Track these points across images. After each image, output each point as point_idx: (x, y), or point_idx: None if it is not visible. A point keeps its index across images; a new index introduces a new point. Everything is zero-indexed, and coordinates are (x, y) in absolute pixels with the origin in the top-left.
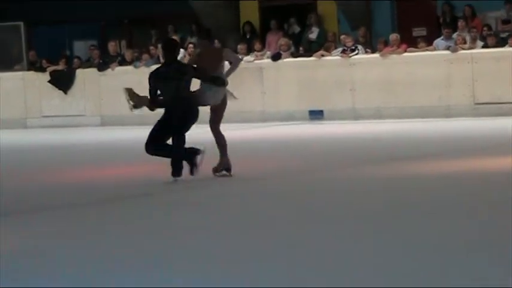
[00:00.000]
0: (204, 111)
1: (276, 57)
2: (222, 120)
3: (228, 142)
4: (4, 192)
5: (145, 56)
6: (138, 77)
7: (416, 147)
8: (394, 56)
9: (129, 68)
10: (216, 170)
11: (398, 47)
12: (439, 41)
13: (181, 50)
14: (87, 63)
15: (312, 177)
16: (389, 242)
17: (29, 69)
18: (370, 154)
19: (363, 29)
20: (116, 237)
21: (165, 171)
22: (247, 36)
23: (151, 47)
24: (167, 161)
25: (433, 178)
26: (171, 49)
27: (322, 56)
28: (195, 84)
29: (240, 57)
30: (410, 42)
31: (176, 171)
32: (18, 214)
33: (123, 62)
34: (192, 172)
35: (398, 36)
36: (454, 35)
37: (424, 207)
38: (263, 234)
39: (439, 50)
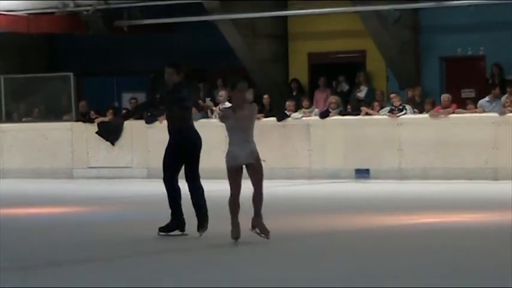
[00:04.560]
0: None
1: (324, 114)
2: (267, 175)
3: (273, 198)
4: (43, 244)
5: (193, 110)
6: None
7: (461, 209)
8: (442, 116)
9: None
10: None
11: (449, 107)
12: (484, 103)
13: (229, 104)
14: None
15: (353, 235)
16: None
17: (77, 120)
18: (414, 214)
19: (419, 88)
20: None
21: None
22: (294, 93)
23: (200, 101)
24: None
25: (477, 240)
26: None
27: (367, 113)
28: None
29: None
30: (458, 103)
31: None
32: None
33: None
34: (200, 230)
35: (450, 97)
36: (503, 98)
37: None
38: None
39: (485, 111)
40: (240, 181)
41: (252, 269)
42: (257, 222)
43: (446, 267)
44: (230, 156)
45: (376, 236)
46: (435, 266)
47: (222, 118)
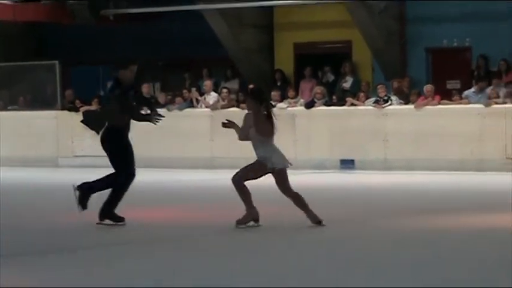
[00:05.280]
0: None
1: (309, 105)
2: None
3: (257, 189)
4: (31, 232)
5: (178, 99)
6: (171, 120)
7: (446, 200)
8: (427, 108)
9: (162, 110)
10: (241, 222)
11: (433, 98)
12: (470, 93)
13: (214, 94)
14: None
15: (339, 226)
16: None
17: (62, 109)
18: (400, 206)
19: (407, 79)
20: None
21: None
22: (278, 84)
23: (185, 90)
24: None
25: (462, 232)
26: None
27: (352, 104)
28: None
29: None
30: (444, 94)
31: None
32: (40, 255)
33: (156, 105)
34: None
35: (433, 87)
36: (488, 89)
37: (453, 261)
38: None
39: (470, 102)
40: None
41: (233, 260)
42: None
43: (424, 261)
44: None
45: (359, 227)
46: (414, 259)
47: None
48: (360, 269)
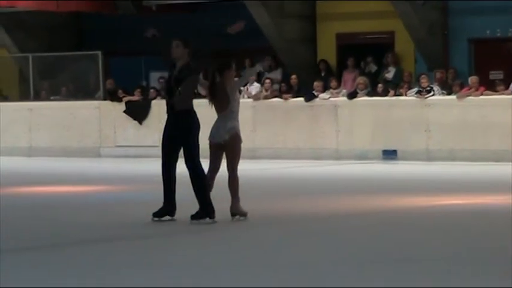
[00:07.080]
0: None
1: (351, 95)
2: (294, 155)
3: (300, 178)
4: (69, 223)
5: None
6: (212, 111)
7: (488, 190)
8: (470, 98)
9: (203, 101)
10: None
11: (477, 89)
12: None
13: (257, 84)
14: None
15: (381, 216)
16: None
17: (105, 99)
18: (441, 196)
19: (452, 71)
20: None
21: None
22: (322, 74)
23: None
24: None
25: (505, 223)
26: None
27: (395, 94)
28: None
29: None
30: (486, 85)
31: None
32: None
33: (198, 95)
34: (195, 218)
35: (478, 78)
36: None
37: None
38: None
39: None
40: (216, 160)
41: (275, 249)
42: (235, 207)
43: (460, 251)
44: (210, 133)
45: (399, 217)
46: (449, 249)
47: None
48: (393, 261)
